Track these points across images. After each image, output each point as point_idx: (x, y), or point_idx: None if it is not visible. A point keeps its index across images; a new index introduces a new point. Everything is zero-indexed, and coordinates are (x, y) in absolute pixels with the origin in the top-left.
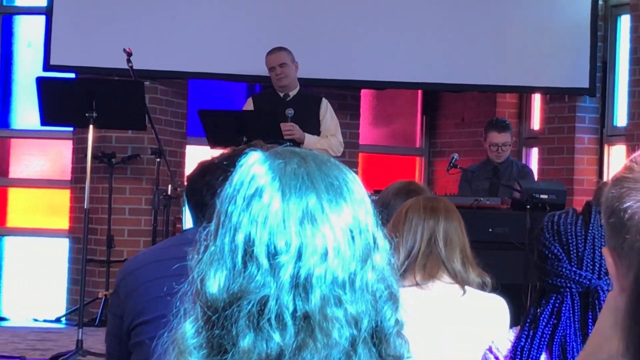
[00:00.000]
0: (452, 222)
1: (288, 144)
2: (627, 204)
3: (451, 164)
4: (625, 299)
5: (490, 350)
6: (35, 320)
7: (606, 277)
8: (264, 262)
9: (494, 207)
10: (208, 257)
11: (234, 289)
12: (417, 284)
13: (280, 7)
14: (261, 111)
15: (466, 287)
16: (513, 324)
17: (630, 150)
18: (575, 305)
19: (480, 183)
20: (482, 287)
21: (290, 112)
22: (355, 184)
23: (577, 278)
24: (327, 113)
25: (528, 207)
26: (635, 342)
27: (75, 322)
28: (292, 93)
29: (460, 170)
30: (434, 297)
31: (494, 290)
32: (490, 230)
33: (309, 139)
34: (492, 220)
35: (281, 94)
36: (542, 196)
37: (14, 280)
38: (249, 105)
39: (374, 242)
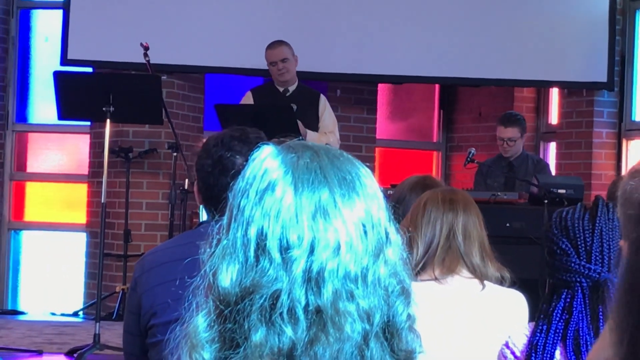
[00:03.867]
0: (470, 216)
1: (300, 137)
2: None
3: (468, 159)
4: (618, 288)
5: (507, 345)
6: (53, 314)
7: (615, 270)
8: (277, 256)
9: (511, 202)
10: (220, 251)
11: (246, 283)
12: (435, 279)
13: (298, 1)
14: (277, 106)
15: (485, 282)
16: (530, 319)
17: None
18: (586, 299)
19: (496, 178)
20: (501, 282)
21: (293, 107)
22: (368, 178)
23: (586, 272)
24: (326, 110)
25: (545, 201)
26: (629, 333)
27: (93, 316)
28: (292, 88)
29: (477, 165)
30: (452, 291)
31: (513, 285)
32: (507, 225)
33: (311, 134)
34: (509, 215)
35: (281, 89)
36: (560, 191)
37: (32, 275)
38: (247, 98)
39: (387, 237)
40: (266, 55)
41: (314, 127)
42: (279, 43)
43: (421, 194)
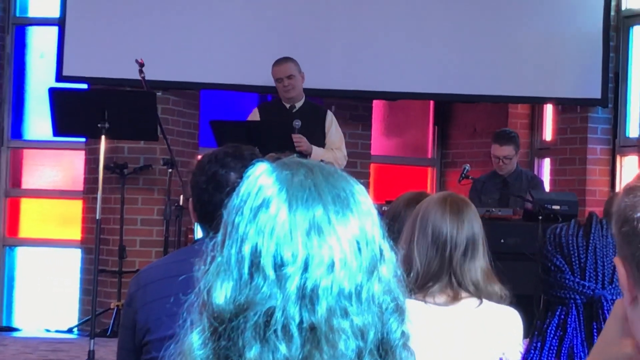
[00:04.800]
0: (472, 228)
1: (295, 154)
2: None
3: (463, 175)
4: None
5: None
6: (47, 330)
7: (610, 287)
8: (271, 273)
9: (505, 218)
10: (215, 268)
11: (240, 300)
12: (434, 301)
13: (292, 17)
14: (272, 121)
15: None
16: (525, 336)
17: None
18: (581, 316)
19: (491, 194)
20: (500, 299)
21: (297, 123)
22: (362, 196)
23: (580, 289)
24: (333, 126)
25: (540, 218)
26: None
27: (87, 333)
28: (298, 104)
29: (472, 180)
30: (448, 308)
31: (509, 302)
32: (502, 241)
33: (316, 151)
34: (504, 231)
35: (287, 105)
36: (554, 207)
37: (27, 291)
38: (254, 115)
39: (381, 254)
40: (272, 72)
41: (321, 143)
42: (285, 60)
43: None
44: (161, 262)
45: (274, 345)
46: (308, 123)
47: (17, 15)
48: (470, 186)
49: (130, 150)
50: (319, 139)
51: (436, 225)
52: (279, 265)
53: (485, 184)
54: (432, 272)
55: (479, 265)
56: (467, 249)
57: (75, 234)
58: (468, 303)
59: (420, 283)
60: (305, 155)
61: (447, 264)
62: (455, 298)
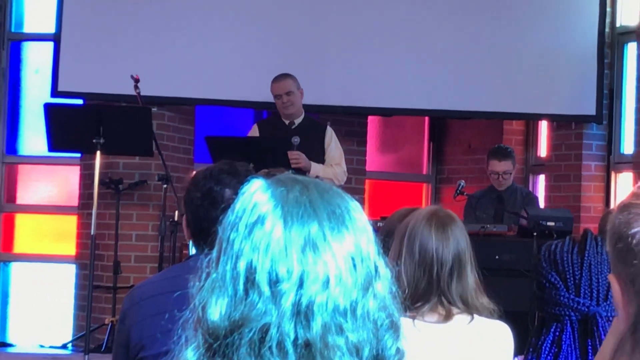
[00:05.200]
0: (461, 240)
1: (291, 171)
2: (635, 230)
3: (458, 191)
4: (626, 325)
5: None
6: (42, 346)
7: (604, 303)
8: (266, 289)
9: (500, 234)
10: (210, 285)
11: (235, 317)
12: (423, 319)
13: (287, 34)
14: (268, 138)
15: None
16: (519, 352)
17: (637, 177)
18: (575, 332)
19: (485, 210)
20: (490, 314)
21: (296, 139)
22: (357, 212)
23: (575, 305)
24: (332, 142)
25: (535, 234)
26: None
27: (82, 349)
28: (298, 120)
29: (467, 197)
30: (439, 324)
31: (499, 316)
32: (496, 257)
33: (315, 167)
34: (498, 247)
35: (287, 122)
36: (549, 223)
37: (21, 306)
38: (254, 131)
39: (376, 271)
40: (271, 88)
41: (320, 159)
42: (284, 76)
43: None
44: (155, 278)
45: None
46: (307, 139)
47: (13, 30)
48: (465, 202)
49: (125, 166)
50: (319, 155)
51: (422, 244)
52: (274, 282)
53: (480, 200)
54: (421, 293)
55: (467, 281)
56: (453, 267)
57: (70, 249)
58: (460, 320)
59: (409, 302)
60: (304, 171)
61: (435, 284)
62: (448, 317)
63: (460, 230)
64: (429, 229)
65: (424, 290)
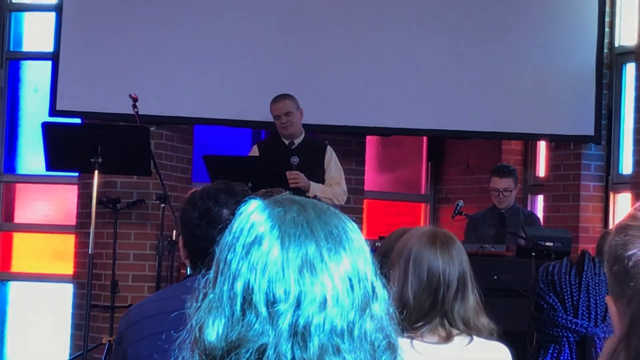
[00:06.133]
0: (462, 264)
1: (289, 191)
2: (632, 252)
3: (456, 211)
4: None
5: None
6: None
7: (602, 325)
8: (263, 310)
9: (499, 255)
10: (207, 305)
11: (232, 337)
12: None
13: (285, 53)
14: (266, 158)
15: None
16: None
17: (636, 198)
18: (573, 354)
19: (486, 230)
20: (490, 334)
21: (295, 160)
22: (354, 233)
23: (573, 327)
24: (332, 161)
25: (533, 254)
26: None
27: None
28: (298, 140)
29: (466, 217)
30: (439, 346)
31: (498, 337)
32: (495, 277)
33: (314, 187)
34: (497, 267)
35: (286, 142)
36: (547, 244)
37: (18, 326)
38: (254, 152)
39: (373, 292)
40: (271, 109)
41: (320, 179)
42: (283, 97)
43: None
44: (151, 299)
45: None
46: (307, 159)
47: (11, 49)
48: (467, 222)
49: (123, 185)
50: (319, 175)
51: (430, 267)
52: (271, 302)
53: (481, 220)
54: (424, 313)
55: (469, 302)
56: (458, 288)
57: (68, 268)
58: (459, 341)
59: (410, 323)
60: (303, 191)
61: (439, 305)
62: (448, 338)
63: (462, 250)
64: (435, 251)
65: (427, 311)
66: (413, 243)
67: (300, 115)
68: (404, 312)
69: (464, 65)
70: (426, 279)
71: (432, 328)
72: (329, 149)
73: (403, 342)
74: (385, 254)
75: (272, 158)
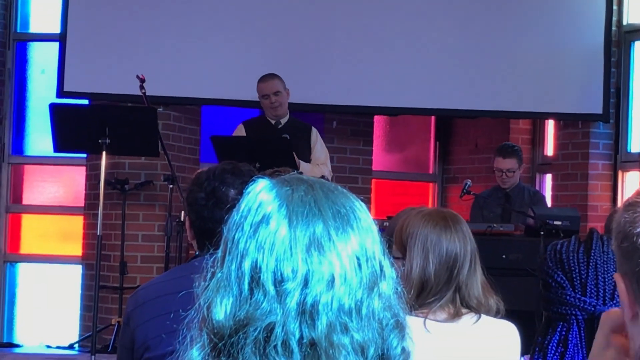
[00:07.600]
0: (473, 241)
1: (295, 171)
2: None
3: (464, 191)
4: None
5: None
6: (48, 347)
7: (611, 303)
8: (271, 288)
9: (507, 234)
10: (214, 284)
11: (240, 316)
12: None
13: (293, 33)
14: (274, 138)
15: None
16: (526, 352)
17: None
18: (582, 332)
19: (492, 209)
20: (497, 313)
21: (286, 138)
22: (362, 212)
23: (581, 305)
24: (318, 142)
25: (542, 233)
26: None
27: (88, 349)
28: (284, 120)
29: (474, 196)
30: (447, 324)
31: (505, 316)
32: (503, 256)
33: (304, 166)
34: (505, 246)
35: (273, 121)
36: (556, 222)
37: (28, 307)
38: (239, 131)
39: (381, 270)
40: (258, 88)
41: (306, 158)
42: (271, 76)
43: None
44: (159, 279)
45: None
46: (294, 139)
47: (18, 31)
48: (472, 202)
49: (131, 166)
50: (305, 155)
51: (448, 246)
52: (279, 281)
53: (487, 199)
54: (438, 289)
55: (479, 278)
56: (471, 264)
57: (76, 249)
58: (467, 319)
59: (422, 300)
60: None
61: (454, 280)
62: (457, 315)
63: (468, 229)
64: (450, 231)
65: (442, 286)
66: (421, 225)
67: (287, 95)
68: (423, 290)
69: (472, 44)
70: (444, 258)
71: (443, 304)
72: (314, 130)
73: (413, 321)
74: (393, 234)
75: (281, 138)
